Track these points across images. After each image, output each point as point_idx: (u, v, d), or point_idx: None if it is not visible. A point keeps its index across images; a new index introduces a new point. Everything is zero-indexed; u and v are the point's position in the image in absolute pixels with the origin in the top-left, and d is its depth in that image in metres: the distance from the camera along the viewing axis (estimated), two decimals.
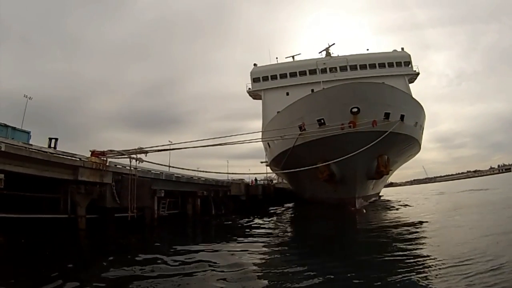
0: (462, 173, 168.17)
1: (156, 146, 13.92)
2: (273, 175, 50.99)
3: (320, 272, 7.22)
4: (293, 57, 39.56)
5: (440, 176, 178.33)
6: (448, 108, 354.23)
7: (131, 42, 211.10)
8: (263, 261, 9.06)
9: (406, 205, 27.61)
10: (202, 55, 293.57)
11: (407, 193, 54.44)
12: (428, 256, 8.23)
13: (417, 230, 13.20)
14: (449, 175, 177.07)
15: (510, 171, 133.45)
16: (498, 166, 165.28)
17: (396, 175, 30.06)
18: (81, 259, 9.30)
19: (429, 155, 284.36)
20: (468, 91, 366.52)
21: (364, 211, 22.22)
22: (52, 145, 20.15)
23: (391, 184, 53.84)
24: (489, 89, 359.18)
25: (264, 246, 11.32)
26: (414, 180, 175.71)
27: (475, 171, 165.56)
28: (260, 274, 7.60)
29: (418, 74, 37.30)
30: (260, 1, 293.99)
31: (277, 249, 11.09)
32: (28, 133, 21.08)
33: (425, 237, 11.40)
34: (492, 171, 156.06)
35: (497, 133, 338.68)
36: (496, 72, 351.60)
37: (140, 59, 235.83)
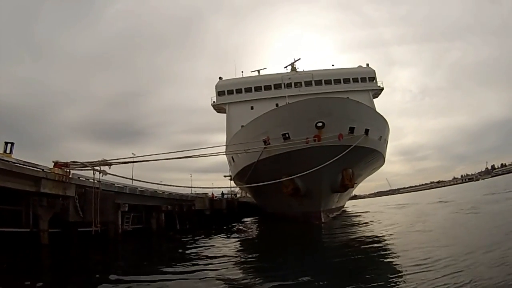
0: (426, 184, 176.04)
1: (120, 158, 13.65)
2: (237, 189, 50.83)
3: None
4: (258, 71, 39.87)
5: (404, 188, 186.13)
6: (412, 122, 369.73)
7: (96, 52, 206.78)
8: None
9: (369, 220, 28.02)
10: (167, 67, 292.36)
11: (370, 205, 55.91)
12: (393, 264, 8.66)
13: (381, 242, 13.46)
14: (412, 186, 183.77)
15: (472, 181, 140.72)
16: (461, 176, 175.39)
17: (360, 187, 31.17)
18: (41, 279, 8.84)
19: (393, 167, 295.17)
20: (431, 106, 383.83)
21: (329, 222, 22.57)
22: (8, 150, 19.17)
23: (355, 197, 55.21)
24: (452, 103, 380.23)
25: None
26: (377, 192, 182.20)
27: (438, 182, 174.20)
28: None
29: (382, 89, 38.60)
30: (227, 15, 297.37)
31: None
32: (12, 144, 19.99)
33: (389, 249, 11.60)
34: (455, 181, 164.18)
35: (459, 145, 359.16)
36: (460, 87, 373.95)
37: (105, 70, 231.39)
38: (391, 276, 7.43)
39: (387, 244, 12.68)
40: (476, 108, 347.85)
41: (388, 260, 9.75)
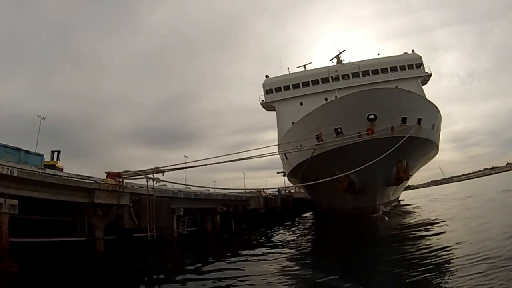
0: (479, 171, 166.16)
1: (173, 165, 13.51)
2: (291, 185, 50.45)
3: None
4: (304, 66, 39.28)
5: (457, 176, 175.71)
6: (461, 108, 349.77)
7: (141, 60, 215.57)
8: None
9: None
10: (213, 71, 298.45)
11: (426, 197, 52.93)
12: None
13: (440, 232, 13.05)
14: (466, 174, 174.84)
15: None
16: None
17: (413, 178, 29.71)
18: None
19: (445, 155, 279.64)
20: (480, 89, 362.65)
21: (387, 218, 21.66)
22: (55, 158, 20.01)
23: (408, 187, 52.60)
24: (501, 85, 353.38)
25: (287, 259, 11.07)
26: (431, 181, 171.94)
27: (492, 168, 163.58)
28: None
29: (430, 75, 36.79)
30: (266, 15, 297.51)
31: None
32: (42, 156, 20.96)
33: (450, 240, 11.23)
34: (509, 167, 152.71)
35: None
36: (508, 68, 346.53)
37: (151, 76, 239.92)
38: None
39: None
40: None
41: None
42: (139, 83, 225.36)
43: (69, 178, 10.66)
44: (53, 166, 21.52)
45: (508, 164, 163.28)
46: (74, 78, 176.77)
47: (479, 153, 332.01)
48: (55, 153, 15.43)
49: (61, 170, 18.68)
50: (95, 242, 12.24)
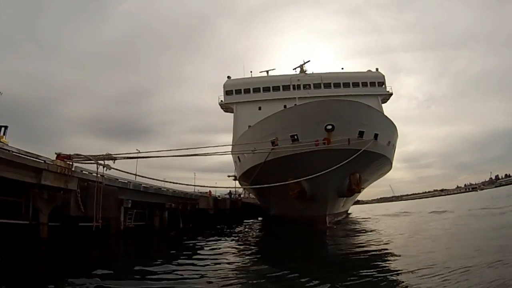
0: (429, 191, 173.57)
1: (126, 153, 13.26)
2: (240, 190, 50.43)
3: None
4: (267, 72, 39.41)
5: (407, 195, 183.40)
6: (416, 130, 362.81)
7: (102, 50, 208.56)
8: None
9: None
10: (172, 69, 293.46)
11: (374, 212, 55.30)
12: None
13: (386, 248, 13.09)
14: (415, 194, 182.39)
15: (476, 190, 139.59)
16: (465, 185, 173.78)
17: (363, 193, 30.60)
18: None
19: (397, 174, 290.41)
20: (436, 114, 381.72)
21: (335, 227, 22.12)
22: (1, 133, 18.85)
23: (358, 202, 54.46)
24: (457, 112, 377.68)
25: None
26: (380, 198, 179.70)
27: (441, 190, 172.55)
28: None
29: (391, 94, 38.00)
30: (234, 18, 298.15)
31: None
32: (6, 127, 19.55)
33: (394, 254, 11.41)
34: (458, 190, 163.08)
35: (463, 154, 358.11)
36: (465, 96, 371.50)
37: (110, 68, 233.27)
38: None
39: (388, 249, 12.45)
40: (481, 117, 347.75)
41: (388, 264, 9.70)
42: (100, 73, 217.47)
43: (18, 154, 10.09)
44: None
45: (457, 187, 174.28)
46: (35, 60, 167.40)
47: (431, 175, 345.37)
48: (2, 128, 14.50)
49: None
50: (39, 227, 11.70)
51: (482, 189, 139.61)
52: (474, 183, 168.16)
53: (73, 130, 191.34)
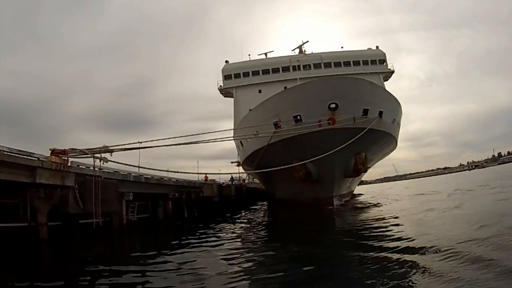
0: (432, 170, 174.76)
1: (123, 145, 12.72)
2: (244, 175, 50.06)
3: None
4: (265, 54, 38.71)
5: (410, 174, 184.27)
6: (419, 109, 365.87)
7: (101, 44, 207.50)
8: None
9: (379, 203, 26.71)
10: (173, 57, 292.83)
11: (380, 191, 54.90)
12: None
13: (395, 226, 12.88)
14: (419, 172, 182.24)
15: (478, 168, 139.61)
16: (468, 163, 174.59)
17: (366, 173, 30.12)
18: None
19: (400, 153, 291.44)
20: (439, 93, 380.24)
21: (342, 208, 21.89)
22: None
23: (362, 182, 54.23)
24: (460, 91, 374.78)
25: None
26: (384, 177, 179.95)
27: (444, 168, 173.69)
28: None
29: (393, 72, 37.47)
30: (232, 3, 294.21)
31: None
32: None
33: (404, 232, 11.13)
34: (461, 168, 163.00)
35: (466, 133, 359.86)
36: (468, 75, 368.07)
37: (111, 62, 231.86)
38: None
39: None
40: (484, 96, 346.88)
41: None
42: (101, 66, 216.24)
43: (9, 153, 9.60)
44: None
45: (461, 165, 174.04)
46: (36, 59, 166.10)
47: (434, 153, 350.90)
48: None
49: None
50: (38, 228, 11.27)
51: (484, 167, 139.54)
52: (477, 160, 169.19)
53: (76, 127, 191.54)
